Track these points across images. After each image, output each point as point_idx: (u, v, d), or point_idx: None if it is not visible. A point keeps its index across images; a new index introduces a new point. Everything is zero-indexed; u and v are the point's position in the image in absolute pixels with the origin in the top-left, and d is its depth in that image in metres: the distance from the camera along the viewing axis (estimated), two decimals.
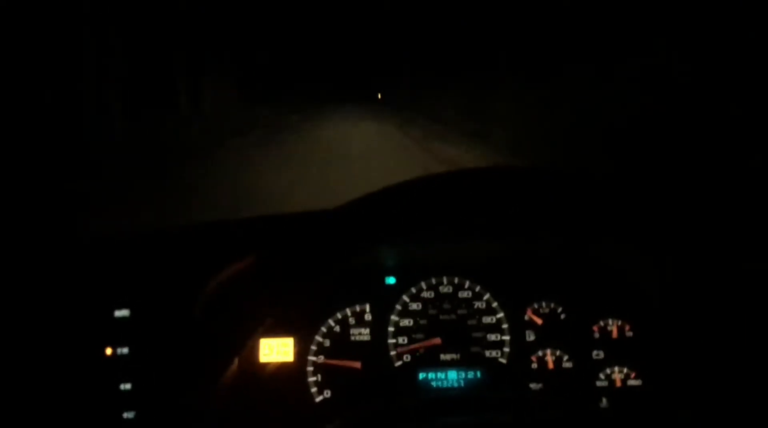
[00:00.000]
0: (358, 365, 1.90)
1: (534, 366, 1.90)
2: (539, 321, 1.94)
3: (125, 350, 1.56)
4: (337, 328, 1.94)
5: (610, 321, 1.93)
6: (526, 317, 1.95)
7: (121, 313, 1.58)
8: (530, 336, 1.93)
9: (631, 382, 1.87)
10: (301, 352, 1.91)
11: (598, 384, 1.87)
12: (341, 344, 1.92)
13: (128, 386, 1.55)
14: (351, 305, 1.96)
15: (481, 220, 1.70)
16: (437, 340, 1.92)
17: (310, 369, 1.89)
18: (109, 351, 1.56)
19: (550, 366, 1.89)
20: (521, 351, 1.91)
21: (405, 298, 1.97)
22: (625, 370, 1.88)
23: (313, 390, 1.87)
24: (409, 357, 1.91)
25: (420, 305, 1.96)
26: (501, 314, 1.95)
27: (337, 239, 1.53)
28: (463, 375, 1.89)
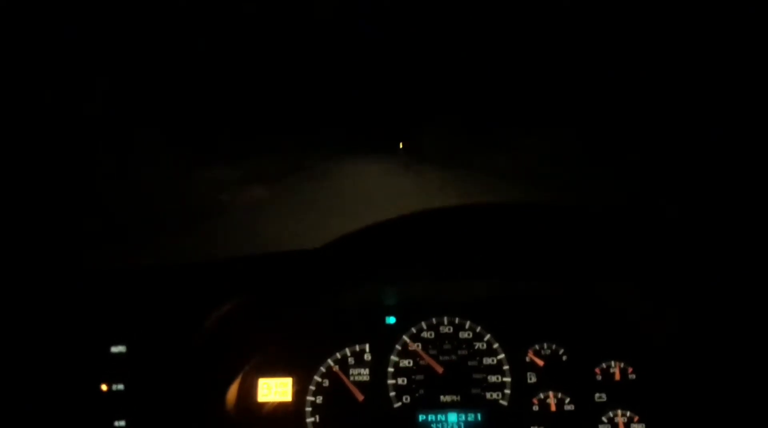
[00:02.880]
0: (360, 397, 1.88)
1: (535, 408, 1.87)
2: (541, 363, 1.91)
3: (120, 386, 1.56)
4: (337, 368, 1.92)
5: (612, 363, 1.90)
6: (528, 359, 1.92)
7: (118, 349, 1.58)
8: (532, 378, 1.90)
9: (635, 426, 1.83)
10: (299, 392, 1.89)
11: (601, 427, 1.83)
12: (340, 384, 1.91)
13: (122, 423, 1.54)
14: (350, 344, 1.95)
15: (480, 256, 1.70)
16: (439, 368, 1.90)
17: (308, 409, 1.88)
18: (104, 387, 1.56)
19: (552, 408, 1.86)
20: (522, 392, 1.88)
21: (405, 338, 1.95)
22: (628, 413, 1.84)
23: None
24: (408, 398, 1.89)
25: (420, 346, 1.95)
26: (502, 356, 1.92)
27: (319, 276, 1.55)
28: (463, 417, 1.86)
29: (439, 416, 1.86)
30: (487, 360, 1.93)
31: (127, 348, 1.58)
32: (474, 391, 1.89)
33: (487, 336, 1.94)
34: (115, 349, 1.58)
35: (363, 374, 1.92)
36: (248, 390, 1.86)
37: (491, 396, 1.89)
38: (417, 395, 1.89)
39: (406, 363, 1.93)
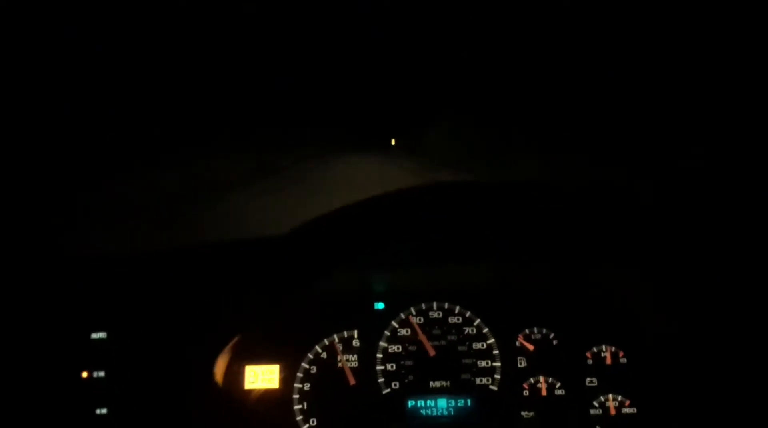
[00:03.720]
0: (352, 380, 1.86)
1: (526, 393, 1.84)
2: (531, 348, 1.89)
3: (101, 373, 1.53)
4: (324, 354, 1.90)
5: (603, 348, 1.88)
6: (518, 344, 1.90)
7: (98, 335, 1.55)
8: (522, 363, 1.88)
9: (626, 410, 1.81)
10: (286, 379, 1.87)
11: (592, 412, 1.81)
12: (328, 370, 1.88)
13: (104, 410, 1.51)
14: (339, 331, 1.92)
15: (463, 237, 1.67)
16: (432, 350, 1.88)
17: (296, 396, 1.85)
18: (84, 374, 1.53)
19: (543, 393, 1.84)
20: (512, 378, 1.86)
21: (394, 324, 1.93)
22: (620, 398, 1.82)
23: (299, 417, 1.83)
24: (397, 383, 1.87)
25: (409, 331, 1.92)
26: (492, 341, 1.90)
27: (292, 261, 1.52)
28: (452, 402, 1.84)
29: (428, 401, 1.84)
30: (477, 345, 1.90)
31: (108, 334, 1.55)
32: (464, 376, 1.87)
33: (477, 321, 1.92)
34: (95, 335, 1.55)
35: (351, 360, 1.89)
36: (235, 377, 1.83)
37: (481, 381, 1.87)
38: (406, 381, 1.87)
39: (395, 348, 1.90)
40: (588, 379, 1.85)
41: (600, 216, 1.67)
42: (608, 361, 1.87)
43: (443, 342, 1.91)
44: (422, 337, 1.89)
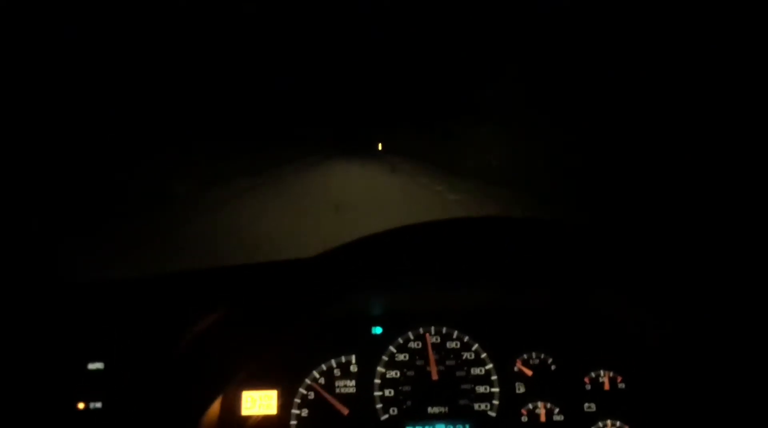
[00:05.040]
0: (345, 410, 1.84)
1: (524, 419, 1.84)
2: (529, 373, 1.89)
3: (98, 404, 1.51)
4: (322, 380, 1.88)
5: (602, 373, 1.88)
6: (516, 369, 1.89)
7: (95, 365, 1.53)
8: (520, 388, 1.88)
9: None
10: (284, 405, 1.85)
11: None
12: (326, 396, 1.86)
13: None
14: (336, 355, 1.91)
15: (469, 270, 1.68)
16: (435, 374, 1.87)
17: (293, 422, 1.83)
18: (81, 405, 1.50)
19: (541, 419, 1.84)
20: (511, 403, 1.86)
21: (392, 349, 1.92)
22: (618, 423, 1.82)
23: None
24: (396, 410, 1.85)
25: (407, 356, 1.91)
26: (490, 366, 1.90)
27: (309, 288, 1.51)
28: None
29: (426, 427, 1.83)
30: (475, 371, 1.90)
31: (105, 364, 1.53)
32: (462, 402, 1.86)
33: (475, 346, 1.92)
34: (92, 366, 1.53)
35: (349, 386, 1.88)
36: (231, 403, 1.81)
37: (479, 407, 1.86)
38: (404, 407, 1.86)
39: (393, 374, 1.89)
40: (586, 404, 1.85)
41: (594, 244, 1.68)
42: (606, 386, 1.86)
43: (442, 367, 1.90)
44: (431, 357, 1.88)
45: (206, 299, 1.58)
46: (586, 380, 1.87)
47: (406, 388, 1.87)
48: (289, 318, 1.54)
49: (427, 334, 1.92)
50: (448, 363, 1.90)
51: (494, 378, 1.88)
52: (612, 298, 1.83)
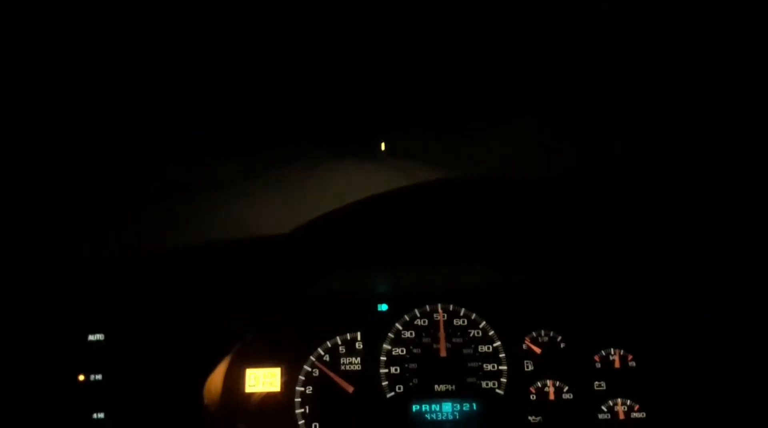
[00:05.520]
0: (350, 388, 1.81)
1: (533, 397, 1.81)
2: (538, 351, 1.85)
3: (99, 376, 1.48)
4: (327, 357, 1.85)
5: (612, 351, 1.84)
6: (525, 347, 1.86)
7: (95, 338, 1.50)
8: (528, 366, 1.84)
9: (635, 415, 1.77)
10: (288, 382, 1.82)
11: (601, 416, 1.77)
12: (331, 373, 1.84)
13: (101, 415, 1.47)
14: (341, 333, 1.88)
15: (469, 236, 1.64)
16: (443, 350, 1.85)
17: (297, 400, 1.80)
18: (81, 377, 1.48)
19: (550, 397, 1.80)
20: (519, 381, 1.82)
21: (398, 326, 1.89)
22: (629, 402, 1.78)
23: (301, 422, 1.78)
24: (401, 387, 1.82)
25: (413, 334, 1.88)
26: (498, 343, 1.86)
27: (295, 261, 1.48)
28: (458, 406, 1.80)
29: (433, 406, 1.79)
30: (483, 348, 1.86)
31: (106, 336, 1.50)
32: (469, 380, 1.83)
33: (483, 324, 1.88)
34: (92, 338, 1.50)
35: (354, 363, 1.85)
36: (235, 381, 1.79)
37: (487, 384, 1.83)
38: (410, 384, 1.83)
39: (398, 351, 1.86)
40: (596, 383, 1.81)
41: (602, 215, 1.64)
42: (617, 365, 1.83)
43: (449, 345, 1.87)
44: (442, 334, 1.85)
45: (203, 274, 1.55)
46: (596, 358, 1.84)
47: (413, 366, 1.84)
48: (277, 292, 1.52)
49: (441, 310, 1.89)
50: (455, 340, 1.87)
51: (502, 355, 1.85)
52: (620, 275, 1.80)
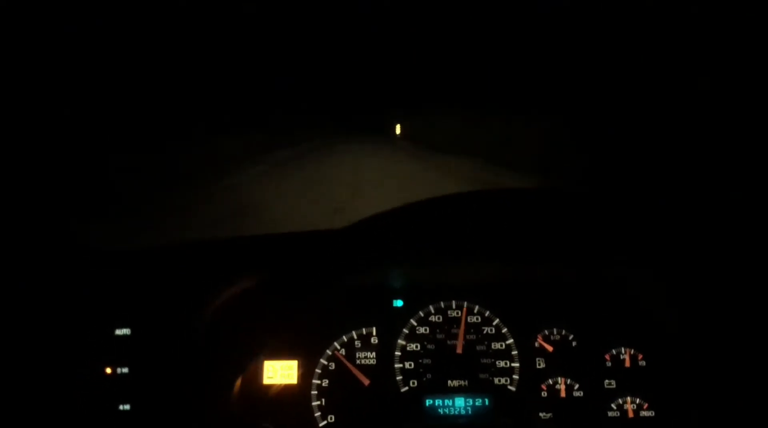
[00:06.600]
0: (366, 381, 1.86)
1: (544, 394, 1.85)
2: (550, 348, 1.89)
3: (125, 369, 1.53)
4: (343, 351, 1.90)
5: (622, 350, 1.88)
6: (537, 344, 1.90)
7: (122, 331, 1.55)
8: (540, 364, 1.88)
9: (644, 413, 1.81)
10: (305, 375, 1.87)
11: (610, 414, 1.81)
12: (346, 367, 1.88)
13: (127, 407, 1.51)
14: (357, 327, 1.92)
15: (493, 243, 1.67)
16: (460, 348, 1.89)
17: (314, 392, 1.85)
18: (108, 370, 1.53)
19: (561, 394, 1.84)
20: (531, 378, 1.86)
21: (413, 322, 1.93)
22: (638, 401, 1.82)
23: (317, 414, 1.83)
24: (415, 382, 1.87)
25: (428, 329, 1.92)
26: (511, 341, 1.90)
27: (341, 259, 1.51)
28: (470, 402, 1.84)
29: (446, 401, 1.84)
30: (496, 345, 1.90)
31: (132, 330, 1.55)
32: (482, 376, 1.87)
33: (496, 321, 1.92)
34: (119, 332, 1.55)
35: (369, 357, 1.89)
36: (253, 373, 1.83)
37: (499, 381, 1.87)
38: (424, 379, 1.87)
39: (413, 346, 1.90)
40: (606, 381, 1.85)
41: (614, 216, 1.66)
42: (627, 364, 1.86)
43: (462, 341, 1.91)
44: (461, 330, 1.89)
45: (233, 268, 1.59)
46: (607, 357, 1.87)
47: (426, 361, 1.89)
48: (315, 288, 1.55)
49: (463, 307, 1.92)
50: (468, 337, 1.91)
51: (515, 352, 1.89)
52: (631, 275, 1.82)
